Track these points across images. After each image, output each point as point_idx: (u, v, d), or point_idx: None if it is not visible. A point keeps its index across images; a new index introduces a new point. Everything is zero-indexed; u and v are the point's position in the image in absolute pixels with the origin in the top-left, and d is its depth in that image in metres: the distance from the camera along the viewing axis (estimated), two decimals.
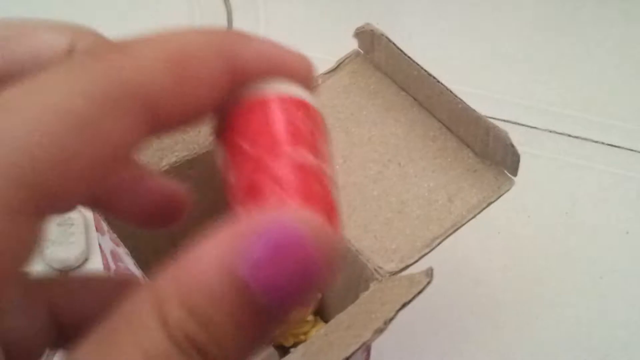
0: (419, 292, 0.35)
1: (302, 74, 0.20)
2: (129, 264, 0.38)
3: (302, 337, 0.43)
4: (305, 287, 0.14)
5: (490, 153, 0.41)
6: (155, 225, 0.22)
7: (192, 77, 0.18)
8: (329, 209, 0.17)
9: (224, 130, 0.19)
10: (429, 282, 0.35)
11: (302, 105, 0.19)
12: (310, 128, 0.19)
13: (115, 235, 0.38)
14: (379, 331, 0.33)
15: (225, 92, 0.19)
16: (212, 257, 0.15)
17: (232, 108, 0.19)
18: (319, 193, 0.17)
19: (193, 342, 0.14)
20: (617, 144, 0.63)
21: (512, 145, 0.40)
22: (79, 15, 0.69)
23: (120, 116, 0.16)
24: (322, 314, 0.44)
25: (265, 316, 0.15)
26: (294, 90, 0.20)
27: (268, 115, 0.19)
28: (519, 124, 0.64)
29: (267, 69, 0.20)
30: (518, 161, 0.40)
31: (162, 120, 0.18)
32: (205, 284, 0.14)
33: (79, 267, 0.52)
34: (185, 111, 0.18)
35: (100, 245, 0.43)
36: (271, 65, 0.20)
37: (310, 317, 0.43)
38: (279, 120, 0.18)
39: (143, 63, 0.17)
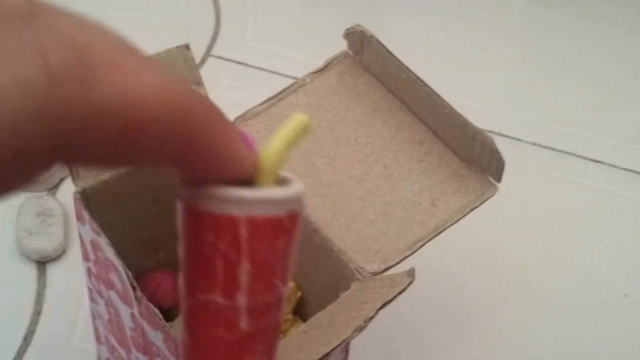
0: (401, 292, 0.35)
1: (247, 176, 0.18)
2: (109, 254, 0.38)
3: (281, 335, 0.42)
4: None
5: (475, 159, 0.41)
6: None
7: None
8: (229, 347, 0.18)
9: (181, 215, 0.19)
10: (410, 282, 0.35)
11: (269, 226, 0.18)
12: (262, 259, 0.18)
13: (96, 225, 0.38)
14: (359, 329, 0.33)
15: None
16: None
17: (192, 205, 0.18)
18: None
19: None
20: (599, 159, 0.63)
21: (498, 152, 0.40)
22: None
23: None
24: (302, 313, 0.44)
25: None
26: (269, 205, 0.17)
27: (214, 253, 0.18)
28: (503, 135, 0.64)
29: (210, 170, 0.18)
30: (503, 168, 0.40)
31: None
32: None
33: (56, 258, 0.51)
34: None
35: (80, 234, 0.42)
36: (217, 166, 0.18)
37: (290, 316, 0.43)
38: (220, 266, 0.18)
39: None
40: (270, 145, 0.18)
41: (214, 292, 0.18)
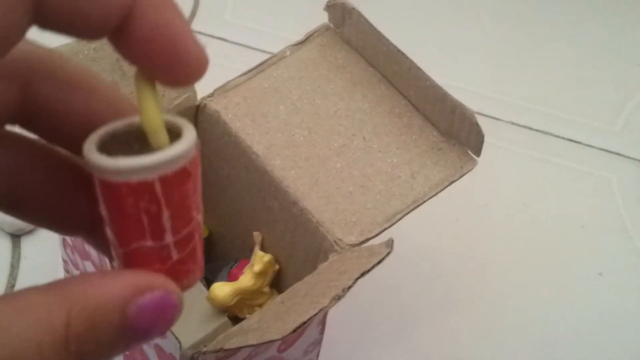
0: (379, 262, 0.34)
1: (194, 68, 0.21)
2: None
3: (257, 308, 0.42)
4: (161, 331, 0.21)
5: (455, 132, 0.41)
6: None
7: None
8: (170, 272, 0.22)
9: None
10: (389, 253, 0.35)
11: (177, 176, 0.20)
12: (158, 204, 0.21)
13: None
14: (337, 298, 0.33)
15: (111, 30, 0.20)
16: (117, 291, 0.20)
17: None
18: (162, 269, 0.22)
19: (81, 346, 0.20)
20: (576, 139, 0.64)
21: (477, 125, 0.40)
22: None
23: None
24: (280, 286, 0.44)
25: (129, 339, 0.21)
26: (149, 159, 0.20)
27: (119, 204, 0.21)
28: (481, 114, 0.64)
29: (160, 42, 0.20)
30: (482, 141, 0.40)
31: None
32: (106, 309, 0.20)
33: (31, 231, 0.51)
34: (70, 14, 0.19)
35: None
36: (167, 41, 0.20)
37: (267, 289, 0.43)
38: (145, 220, 0.21)
39: None
40: (145, 110, 0.21)
41: (145, 239, 0.21)
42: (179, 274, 0.22)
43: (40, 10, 0.19)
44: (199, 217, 0.22)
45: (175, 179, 0.20)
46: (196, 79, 0.21)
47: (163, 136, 0.21)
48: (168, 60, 0.20)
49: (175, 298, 0.21)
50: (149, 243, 0.21)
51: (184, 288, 0.22)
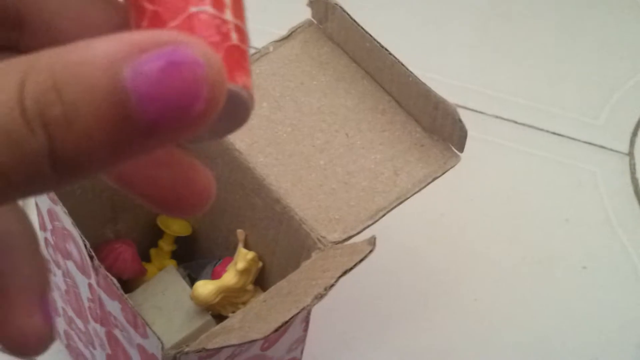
0: (361, 260, 0.34)
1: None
2: (67, 223, 0.37)
3: (241, 306, 0.42)
4: (182, 112, 0.14)
5: (438, 128, 0.41)
6: (177, 212, 0.19)
7: None
8: (227, 56, 0.17)
9: None
10: (371, 251, 0.35)
11: None
12: None
13: (52, 192, 0.37)
14: (319, 297, 0.33)
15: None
16: (101, 51, 0.14)
17: None
18: (217, 41, 0.17)
19: (42, 116, 0.14)
20: (560, 133, 0.64)
21: (460, 121, 0.40)
22: None
23: None
24: (263, 284, 0.44)
25: (130, 127, 0.14)
26: None
27: None
28: (466, 108, 0.64)
29: None
30: (465, 137, 0.40)
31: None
32: (83, 72, 0.14)
33: None
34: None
35: (36, 203, 0.41)
36: None
37: (250, 287, 0.43)
38: None
39: None
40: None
41: (205, 2, 0.17)
42: (236, 66, 0.17)
43: None
44: (246, 37, 0.18)
45: None
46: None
47: None
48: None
49: (203, 57, 0.14)
50: (209, 8, 0.17)
51: (240, 84, 0.17)
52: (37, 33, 0.18)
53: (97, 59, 0.14)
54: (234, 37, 0.17)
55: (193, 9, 0.17)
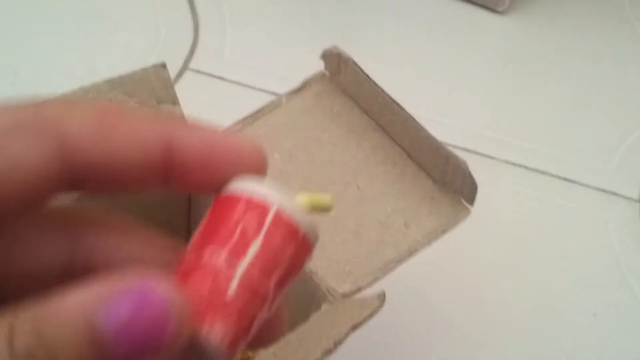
0: (371, 315, 0.35)
1: (253, 163, 0.21)
2: None
3: (250, 354, 0.43)
4: (150, 344, 0.16)
5: (448, 181, 0.41)
6: None
7: (118, 134, 0.18)
8: (209, 305, 0.19)
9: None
10: (380, 306, 0.35)
11: (287, 227, 0.20)
12: (260, 239, 0.20)
13: None
14: (328, 352, 0.34)
15: (159, 176, 0.19)
16: (74, 301, 0.16)
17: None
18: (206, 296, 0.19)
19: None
20: (571, 178, 0.64)
21: (470, 175, 0.40)
22: (49, 33, 0.68)
23: (29, 139, 0.17)
24: None
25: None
26: (274, 198, 0.20)
27: (218, 212, 0.20)
28: (476, 152, 0.65)
29: (211, 158, 0.20)
30: (475, 191, 0.41)
31: (83, 169, 0.18)
32: (61, 321, 0.16)
33: None
34: (108, 169, 0.19)
35: None
36: (217, 154, 0.20)
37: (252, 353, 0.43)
38: (238, 232, 0.20)
39: (69, 106, 0.18)
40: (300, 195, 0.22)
41: (224, 248, 0.19)
42: (216, 316, 0.19)
43: (74, 174, 0.18)
44: (269, 294, 0.20)
45: (285, 227, 0.20)
46: (262, 172, 0.21)
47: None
48: (230, 167, 0.20)
49: (164, 293, 0.16)
50: (223, 255, 0.19)
51: (212, 334, 0.18)
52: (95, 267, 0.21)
53: (72, 312, 0.16)
54: (233, 290, 0.19)
55: (206, 256, 0.19)
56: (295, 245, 0.21)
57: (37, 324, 0.16)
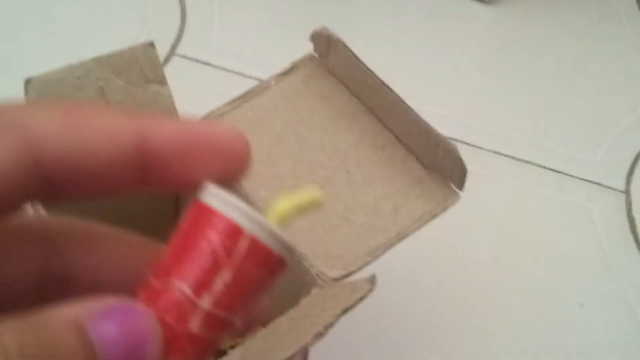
0: (361, 298, 0.34)
1: (235, 151, 0.20)
2: None
3: (239, 339, 0.42)
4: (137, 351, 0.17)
5: (438, 166, 0.41)
6: None
7: (87, 129, 0.18)
8: (172, 339, 0.19)
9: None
10: (371, 289, 0.35)
11: (262, 254, 0.20)
12: (224, 260, 0.19)
13: None
14: (319, 335, 0.33)
15: (136, 173, 0.19)
16: (64, 313, 0.17)
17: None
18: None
19: None
20: (557, 169, 0.64)
21: (460, 159, 0.40)
22: (36, 11, 0.67)
23: None
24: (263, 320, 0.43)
25: None
26: (243, 215, 0.19)
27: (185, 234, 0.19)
28: (464, 142, 0.64)
29: (188, 148, 0.19)
30: (465, 176, 0.40)
31: (53, 170, 0.18)
32: (51, 331, 0.16)
33: None
34: (80, 167, 0.18)
35: None
36: (193, 143, 0.19)
37: None
38: (206, 264, 0.19)
39: (33, 105, 0.17)
40: (277, 206, 0.20)
41: (188, 281, 0.19)
42: (175, 349, 0.19)
43: (45, 176, 0.18)
44: (235, 325, 0.20)
45: (259, 254, 0.19)
46: (245, 161, 0.20)
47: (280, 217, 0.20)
48: (209, 157, 0.19)
49: (145, 314, 0.18)
50: (187, 290, 0.19)
51: None
52: (81, 284, 0.21)
53: (63, 322, 0.16)
54: (195, 324, 0.19)
55: (174, 284, 0.19)
56: (268, 268, 0.20)
57: (23, 333, 0.16)
